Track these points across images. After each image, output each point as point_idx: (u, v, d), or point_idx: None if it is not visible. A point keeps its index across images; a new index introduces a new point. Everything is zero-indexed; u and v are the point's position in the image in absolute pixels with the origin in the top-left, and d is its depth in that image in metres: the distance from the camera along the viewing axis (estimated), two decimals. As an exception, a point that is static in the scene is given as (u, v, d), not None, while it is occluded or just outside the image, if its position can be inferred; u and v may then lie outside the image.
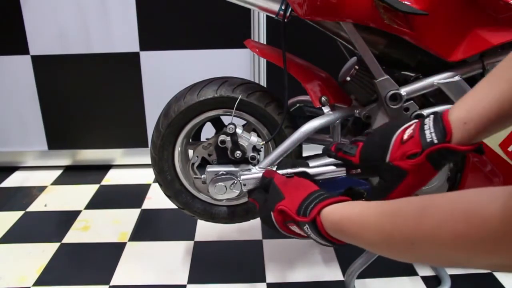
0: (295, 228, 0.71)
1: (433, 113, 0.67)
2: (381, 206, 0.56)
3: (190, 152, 1.07)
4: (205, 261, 1.25)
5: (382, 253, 0.56)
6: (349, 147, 0.78)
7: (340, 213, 0.63)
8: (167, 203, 1.13)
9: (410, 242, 0.50)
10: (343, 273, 1.18)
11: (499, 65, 0.60)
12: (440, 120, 0.63)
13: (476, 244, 0.42)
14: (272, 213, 0.74)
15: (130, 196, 1.65)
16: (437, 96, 0.91)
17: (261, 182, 0.85)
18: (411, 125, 0.69)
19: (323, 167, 0.86)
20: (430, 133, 0.64)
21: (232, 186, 0.94)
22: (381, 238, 0.55)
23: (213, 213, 1.08)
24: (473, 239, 0.42)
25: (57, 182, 1.79)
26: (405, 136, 0.68)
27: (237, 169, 0.96)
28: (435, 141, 0.63)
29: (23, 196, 1.66)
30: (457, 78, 0.86)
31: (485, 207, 0.41)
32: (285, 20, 0.92)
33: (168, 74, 1.73)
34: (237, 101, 0.96)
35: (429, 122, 0.65)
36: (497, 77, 0.59)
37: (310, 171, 0.87)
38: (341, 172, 0.83)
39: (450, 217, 0.45)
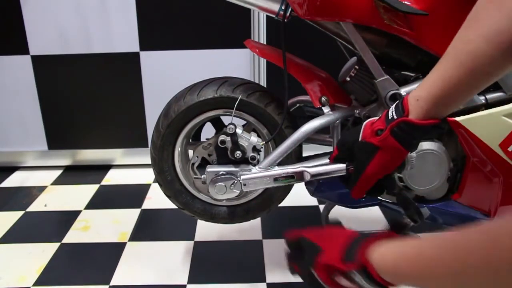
0: (343, 281, 0.66)
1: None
2: (440, 238, 0.52)
3: (190, 152, 1.07)
4: (205, 261, 1.25)
5: None
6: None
7: (392, 254, 0.58)
8: (167, 203, 1.13)
9: (493, 270, 0.44)
10: (343, 273, 1.18)
11: (442, 57, 0.66)
12: (400, 101, 0.71)
13: None
14: (313, 270, 0.69)
15: (130, 196, 1.65)
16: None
17: (290, 247, 0.81)
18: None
19: (322, 166, 0.86)
20: (392, 113, 0.72)
21: (232, 186, 0.94)
22: (452, 272, 0.49)
23: (213, 213, 1.08)
24: None
25: (57, 182, 1.79)
26: (375, 120, 0.76)
27: (237, 169, 0.96)
28: (395, 117, 0.71)
29: (23, 196, 1.66)
30: (457, 78, 0.86)
31: None
32: (285, 20, 0.92)
33: (168, 74, 1.73)
34: (237, 101, 0.96)
35: (392, 107, 0.73)
36: (444, 57, 0.65)
37: (309, 170, 0.88)
38: (341, 171, 0.83)
39: (505, 246, 0.42)
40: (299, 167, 0.89)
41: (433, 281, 0.52)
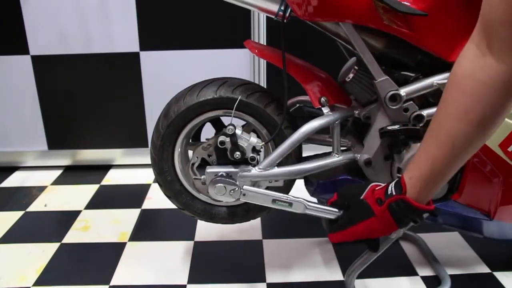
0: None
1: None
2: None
3: (190, 152, 1.07)
4: (205, 261, 1.25)
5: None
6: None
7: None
8: (167, 203, 1.13)
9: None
10: (343, 273, 1.18)
11: (425, 137, 0.72)
12: (399, 179, 0.77)
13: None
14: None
15: (130, 196, 1.65)
16: (437, 96, 0.90)
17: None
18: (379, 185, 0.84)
19: (319, 205, 0.91)
20: (391, 189, 0.78)
21: (232, 192, 0.94)
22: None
23: (213, 214, 1.08)
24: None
25: (57, 182, 1.79)
26: (377, 188, 0.82)
27: (236, 170, 0.96)
28: (394, 193, 0.76)
29: (23, 196, 1.66)
30: (456, 78, 0.86)
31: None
32: (285, 21, 0.92)
33: (168, 74, 1.73)
34: (237, 101, 0.96)
35: (393, 183, 0.79)
36: (427, 135, 0.72)
37: (307, 204, 0.92)
38: (333, 214, 0.89)
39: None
40: (299, 199, 0.92)
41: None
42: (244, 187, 0.93)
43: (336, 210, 0.89)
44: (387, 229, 0.80)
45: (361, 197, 0.83)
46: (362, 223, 0.81)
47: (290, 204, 0.92)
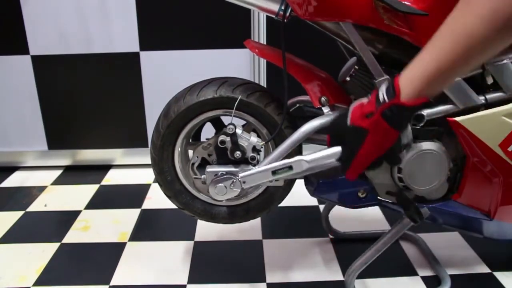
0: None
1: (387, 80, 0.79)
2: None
3: (190, 152, 1.07)
4: (205, 261, 1.25)
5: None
6: None
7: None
8: (167, 203, 1.13)
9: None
10: (343, 273, 1.18)
11: (434, 37, 0.71)
12: (391, 84, 0.75)
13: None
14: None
15: (130, 196, 1.66)
16: (437, 96, 0.90)
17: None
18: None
19: (318, 152, 0.88)
20: (383, 95, 0.75)
21: (232, 185, 0.94)
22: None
23: (213, 213, 1.08)
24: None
25: (57, 182, 1.79)
26: (364, 103, 0.79)
27: (237, 169, 0.96)
28: (386, 100, 0.74)
29: (23, 196, 1.66)
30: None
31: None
32: (285, 20, 0.91)
33: (168, 74, 1.73)
34: (237, 101, 0.96)
35: (383, 88, 0.76)
36: (438, 38, 0.70)
37: (306, 158, 0.89)
38: (337, 155, 0.86)
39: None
40: (296, 158, 0.90)
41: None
42: (240, 174, 0.93)
43: (335, 150, 0.86)
44: (388, 138, 0.78)
45: (349, 123, 0.80)
46: (362, 147, 0.79)
47: (290, 167, 0.90)
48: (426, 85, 0.71)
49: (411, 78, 0.72)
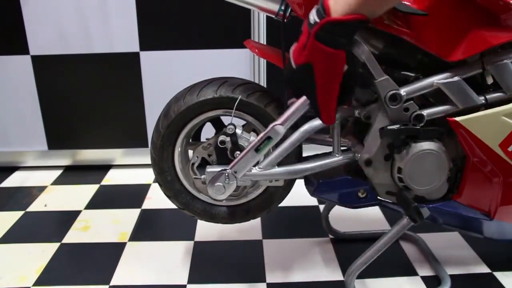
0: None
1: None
2: None
3: (190, 152, 1.07)
4: (205, 261, 1.25)
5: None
6: None
7: None
8: (167, 203, 1.13)
9: None
10: (343, 273, 1.18)
11: None
12: (321, 4, 0.70)
13: None
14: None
15: (130, 196, 1.66)
16: (437, 96, 0.91)
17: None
18: None
19: (287, 110, 0.88)
20: (313, 17, 0.70)
21: (227, 180, 0.94)
22: None
23: (213, 213, 1.08)
24: None
25: (57, 182, 1.79)
26: (296, 43, 0.75)
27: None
28: (318, 21, 0.69)
29: (23, 196, 1.66)
30: (457, 78, 0.86)
31: None
32: (285, 21, 0.92)
33: (168, 74, 1.73)
34: (237, 101, 0.96)
35: (313, 11, 0.71)
36: None
37: (279, 121, 0.89)
38: (302, 103, 0.85)
39: None
40: (269, 126, 0.89)
41: None
42: (230, 166, 0.93)
43: (300, 100, 0.85)
44: (334, 61, 0.73)
45: (294, 67, 0.78)
46: (315, 81, 0.75)
47: (268, 138, 0.90)
48: (362, 2, 0.67)
49: None
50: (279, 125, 0.89)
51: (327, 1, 0.69)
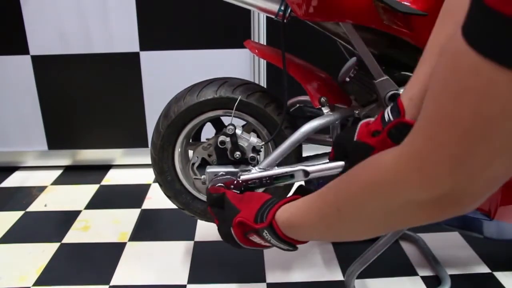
0: (255, 238, 0.75)
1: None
2: (318, 192, 0.63)
3: (190, 152, 1.07)
4: (205, 261, 1.25)
5: (326, 236, 0.67)
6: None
7: (289, 210, 0.68)
8: (167, 203, 1.13)
9: (336, 209, 0.56)
10: (343, 273, 1.18)
11: (431, 42, 0.71)
12: (395, 103, 0.74)
13: (380, 186, 0.49)
14: (231, 228, 0.77)
15: (130, 196, 1.66)
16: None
17: (209, 199, 0.88)
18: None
19: (321, 165, 0.87)
20: (388, 115, 0.74)
21: (232, 186, 0.94)
22: (317, 216, 0.61)
23: (213, 214, 1.08)
24: (377, 182, 0.49)
25: (57, 182, 1.79)
26: (370, 121, 0.79)
27: (236, 170, 0.96)
28: (392, 119, 0.73)
29: (23, 196, 1.66)
30: (456, 78, 0.86)
31: (381, 158, 0.50)
32: (285, 21, 0.92)
33: (168, 74, 1.73)
34: (237, 101, 0.96)
35: (388, 109, 0.75)
36: (429, 52, 0.70)
37: (308, 168, 0.89)
38: (339, 169, 0.86)
39: (359, 171, 0.54)
40: (298, 167, 0.90)
41: (311, 228, 0.64)
42: (242, 177, 0.93)
43: (339, 163, 0.85)
44: None
45: (355, 139, 0.80)
46: None
47: (292, 175, 0.90)
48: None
49: (411, 96, 0.71)
50: (306, 171, 0.89)
51: (401, 102, 0.73)
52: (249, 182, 0.92)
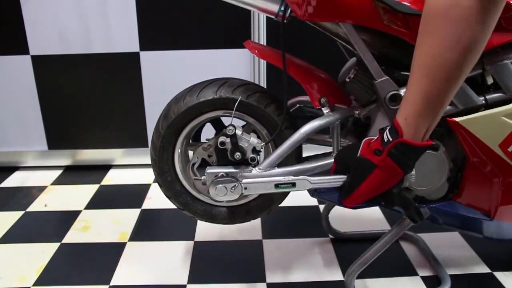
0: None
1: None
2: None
3: (190, 153, 1.07)
4: (205, 261, 1.25)
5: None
6: None
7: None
8: (167, 203, 1.13)
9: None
10: (343, 273, 1.18)
11: (411, 75, 0.74)
12: (392, 124, 0.78)
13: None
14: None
15: (130, 196, 1.66)
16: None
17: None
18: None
19: (323, 176, 0.91)
20: (387, 136, 0.79)
21: (233, 189, 0.94)
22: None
23: (213, 214, 1.08)
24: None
25: (57, 182, 1.79)
26: (372, 140, 0.83)
27: (237, 170, 0.96)
28: (391, 140, 0.77)
29: (23, 196, 1.66)
30: (456, 78, 0.86)
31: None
32: (285, 21, 0.91)
33: (168, 74, 1.73)
34: (237, 102, 0.96)
35: (386, 130, 0.80)
36: (415, 75, 0.74)
37: (311, 179, 0.91)
38: (341, 182, 0.89)
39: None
40: (301, 177, 0.91)
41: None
42: (244, 180, 0.93)
43: (340, 176, 0.89)
44: (392, 177, 0.81)
45: (358, 155, 0.83)
46: (367, 179, 0.81)
47: (293, 184, 0.91)
48: (420, 121, 0.74)
49: (405, 115, 0.75)
50: (309, 182, 0.91)
51: (397, 123, 0.77)
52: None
